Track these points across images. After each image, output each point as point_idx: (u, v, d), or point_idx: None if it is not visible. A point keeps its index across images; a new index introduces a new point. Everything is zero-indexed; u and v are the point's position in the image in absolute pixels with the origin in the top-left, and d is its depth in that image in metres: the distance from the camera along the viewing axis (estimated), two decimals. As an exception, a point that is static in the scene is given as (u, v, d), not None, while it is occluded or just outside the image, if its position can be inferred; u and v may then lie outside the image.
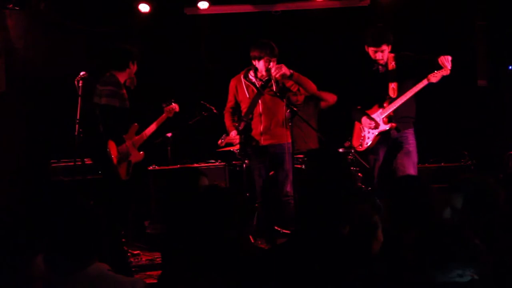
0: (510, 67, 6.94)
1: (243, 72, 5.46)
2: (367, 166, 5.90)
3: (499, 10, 6.76)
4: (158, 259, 5.21)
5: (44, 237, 1.99)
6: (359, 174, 6.40)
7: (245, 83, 5.41)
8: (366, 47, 5.05)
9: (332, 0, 7.21)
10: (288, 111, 4.99)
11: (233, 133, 5.46)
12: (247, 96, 5.40)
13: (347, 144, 6.57)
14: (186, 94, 7.09)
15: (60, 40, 6.47)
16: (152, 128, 5.39)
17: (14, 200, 5.69)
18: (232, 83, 5.52)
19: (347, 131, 6.65)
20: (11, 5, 6.09)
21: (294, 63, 6.98)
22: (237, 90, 5.48)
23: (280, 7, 7.19)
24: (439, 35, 6.48)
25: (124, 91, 4.97)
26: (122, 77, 4.99)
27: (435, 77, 4.73)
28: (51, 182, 5.82)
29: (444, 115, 5.58)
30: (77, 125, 4.71)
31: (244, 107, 5.45)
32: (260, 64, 5.29)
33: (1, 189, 5.89)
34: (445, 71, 4.68)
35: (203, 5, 6.90)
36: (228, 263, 2.46)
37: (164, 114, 5.53)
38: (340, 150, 6.41)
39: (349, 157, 6.42)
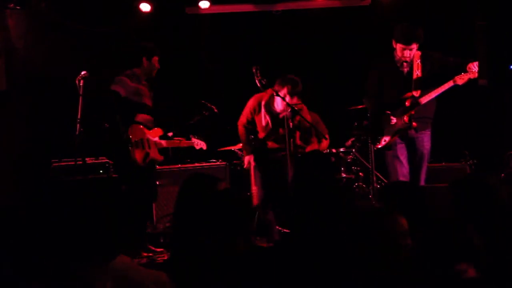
0: (511, 67, 6.93)
1: (266, 96, 5.38)
2: (369, 166, 5.90)
3: (499, 10, 6.75)
4: (158, 259, 5.21)
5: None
6: (360, 173, 6.41)
7: (264, 110, 5.40)
8: (393, 42, 4.98)
9: (333, -1, 7.22)
10: (289, 110, 4.99)
11: (248, 158, 5.55)
12: (263, 124, 5.43)
13: (348, 143, 6.59)
14: (187, 93, 7.10)
15: (60, 40, 6.46)
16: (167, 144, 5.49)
17: (14, 200, 5.68)
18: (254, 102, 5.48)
19: (347, 130, 6.68)
20: (11, 5, 6.08)
21: (294, 62, 7.03)
22: (255, 111, 5.47)
23: (281, 7, 7.19)
24: (439, 35, 6.47)
25: (142, 87, 5.17)
26: (140, 73, 5.23)
27: (461, 79, 4.76)
28: (52, 182, 5.82)
29: (444, 115, 5.57)
30: (78, 125, 4.70)
31: (260, 130, 5.50)
32: (277, 100, 5.26)
33: (1, 189, 5.89)
34: (472, 74, 4.72)
35: (204, 5, 6.91)
36: (228, 263, 2.46)
37: (188, 141, 5.67)
38: (342, 149, 6.43)
39: (350, 156, 6.43)
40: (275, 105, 5.30)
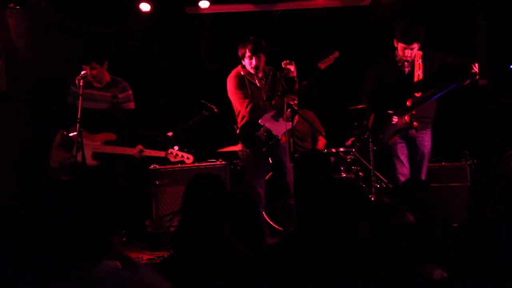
0: (511, 67, 6.93)
1: (239, 67, 5.29)
2: (369, 166, 5.90)
3: (499, 10, 6.76)
4: (158, 259, 5.21)
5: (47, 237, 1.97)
6: (360, 173, 6.41)
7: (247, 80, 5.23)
8: (395, 41, 4.98)
9: (333, -1, 7.21)
10: (288, 110, 4.97)
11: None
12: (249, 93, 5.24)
13: (348, 143, 6.59)
14: (187, 93, 7.10)
15: (60, 40, 6.46)
16: (120, 150, 5.28)
17: (14, 200, 5.67)
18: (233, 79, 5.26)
19: (347, 130, 6.68)
20: (11, 5, 6.08)
21: (294, 62, 7.02)
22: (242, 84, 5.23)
23: (281, 7, 7.19)
24: (439, 34, 6.47)
25: (90, 91, 5.24)
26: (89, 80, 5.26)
27: (463, 79, 4.76)
28: (51, 182, 5.82)
29: (444, 115, 5.57)
30: (78, 125, 4.70)
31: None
32: (245, 62, 5.18)
33: (1, 189, 5.89)
34: (473, 76, 4.71)
35: (204, 4, 6.90)
36: (228, 263, 2.46)
37: (132, 149, 5.27)
38: (341, 149, 6.43)
39: (350, 156, 6.44)
40: (247, 67, 5.20)
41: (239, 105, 5.17)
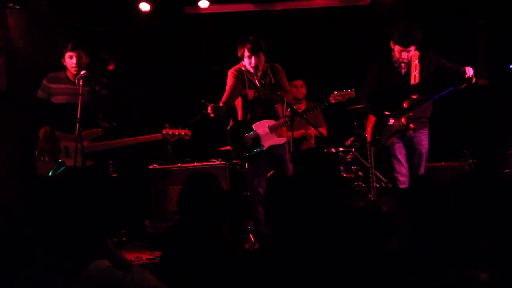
0: (511, 66, 6.93)
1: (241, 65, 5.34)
2: (368, 166, 5.91)
3: (499, 9, 6.76)
4: (158, 259, 5.20)
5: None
6: (360, 173, 6.41)
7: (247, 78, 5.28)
8: (392, 43, 4.96)
9: (333, -1, 7.22)
10: (288, 110, 4.97)
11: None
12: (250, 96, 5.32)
13: (348, 142, 6.59)
14: (187, 93, 7.10)
15: (60, 39, 6.46)
16: (114, 144, 5.10)
17: (14, 200, 5.68)
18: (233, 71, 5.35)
19: (347, 130, 6.68)
20: (11, 4, 6.07)
21: (294, 62, 7.03)
22: (239, 78, 5.31)
23: (281, 6, 7.19)
24: (439, 34, 6.48)
25: (65, 86, 5.10)
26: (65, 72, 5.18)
27: (460, 84, 4.75)
28: (51, 181, 5.80)
29: (444, 115, 5.58)
30: (77, 124, 4.68)
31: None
32: (245, 62, 5.21)
33: (1, 188, 5.89)
34: (469, 81, 4.70)
35: (203, 4, 6.90)
36: (227, 263, 2.46)
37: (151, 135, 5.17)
38: (341, 149, 6.43)
39: (350, 156, 6.44)
40: (247, 67, 5.23)
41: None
